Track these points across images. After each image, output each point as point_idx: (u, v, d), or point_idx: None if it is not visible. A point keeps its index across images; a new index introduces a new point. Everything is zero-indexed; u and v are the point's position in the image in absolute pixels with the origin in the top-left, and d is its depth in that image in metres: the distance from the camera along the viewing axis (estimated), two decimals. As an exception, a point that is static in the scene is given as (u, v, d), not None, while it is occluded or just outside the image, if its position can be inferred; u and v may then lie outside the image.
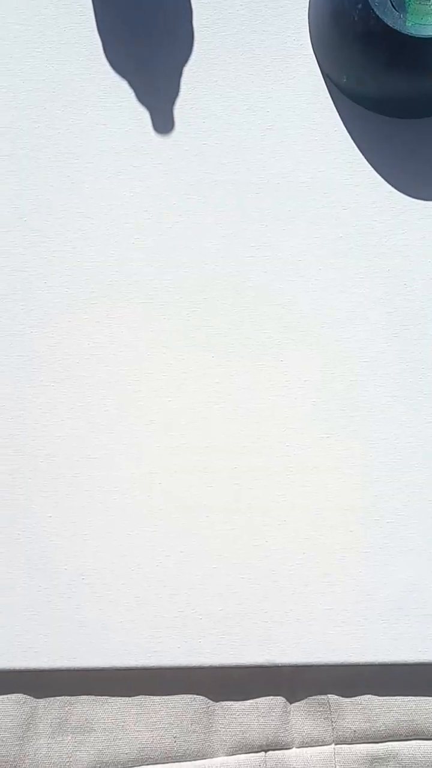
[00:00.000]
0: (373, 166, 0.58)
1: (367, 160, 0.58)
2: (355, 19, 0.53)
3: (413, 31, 0.52)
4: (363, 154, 0.58)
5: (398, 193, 0.58)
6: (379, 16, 0.52)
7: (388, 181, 0.58)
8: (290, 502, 0.59)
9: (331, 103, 0.58)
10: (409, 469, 0.59)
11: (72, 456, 0.59)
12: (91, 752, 0.59)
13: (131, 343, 0.59)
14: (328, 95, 0.58)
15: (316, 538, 0.59)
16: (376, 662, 0.59)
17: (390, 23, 0.52)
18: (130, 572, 0.59)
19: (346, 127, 0.58)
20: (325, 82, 0.58)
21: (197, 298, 0.58)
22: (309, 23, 0.57)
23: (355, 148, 0.58)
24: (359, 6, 0.52)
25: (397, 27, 0.52)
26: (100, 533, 0.59)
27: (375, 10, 0.52)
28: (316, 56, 0.58)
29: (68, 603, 0.59)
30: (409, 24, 0.52)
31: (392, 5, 0.52)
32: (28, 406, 0.59)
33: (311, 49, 0.58)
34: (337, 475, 0.59)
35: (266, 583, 0.59)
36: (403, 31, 0.52)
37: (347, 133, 0.58)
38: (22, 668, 0.59)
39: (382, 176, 0.58)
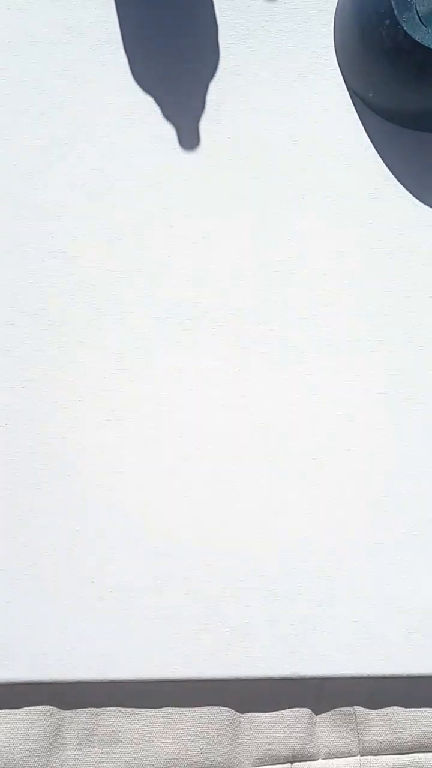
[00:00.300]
0: (399, 180, 0.58)
1: (393, 173, 0.58)
2: (383, 34, 0.53)
3: (441, 47, 0.52)
4: (389, 168, 0.58)
5: (424, 206, 0.58)
6: (407, 31, 0.52)
7: (414, 195, 0.58)
8: (315, 514, 0.59)
9: (357, 117, 0.58)
10: (435, 482, 0.59)
11: (98, 471, 0.59)
12: (118, 763, 0.59)
13: (159, 358, 0.59)
14: (354, 110, 0.58)
15: (342, 550, 0.59)
16: (403, 675, 0.59)
17: (418, 38, 0.52)
18: (157, 585, 0.59)
19: (371, 141, 0.58)
20: (351, 97, 0.58)
21: (224, 313, 0.59)
22: (335, 38, 0.58)
23: (381, 162, 0.58)
24: (387, 22, 0.53)
25: (425, 42, 0.52)
26: (126, 546, 0.59)
27: (403, 25, 0.52)
28: (341, 71, 0.58)
29: (95, 616, 0.60)
30: (437, 39, 0.52)
31: (420, 21, 0.52)
32: (54, 421, 0.59)
33: (337, 64, 0.58)
34: (362, 487, 0.59)
35: (292, 597, 0.59)
36: (430, 46, 0.52)
37: (373, 147, 0.58)
38: (50, 680, 0.60)
39: (408, 190, 0.58)
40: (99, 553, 0.59)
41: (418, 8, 0.52)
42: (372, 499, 0.59)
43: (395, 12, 0.52)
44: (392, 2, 0.52)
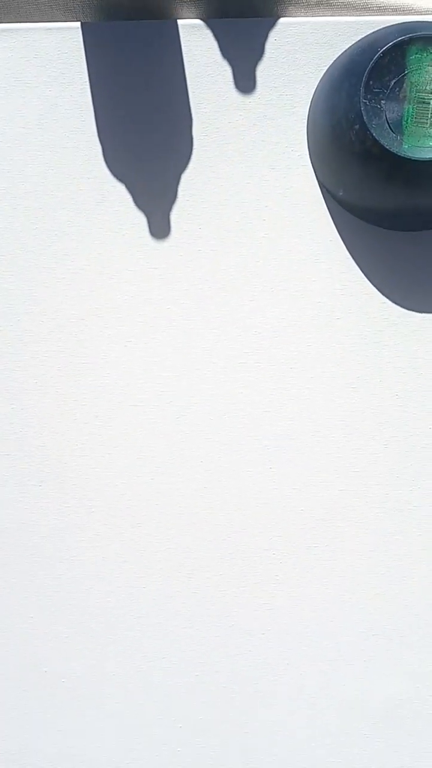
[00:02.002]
0: (367, 276, 0.58)
1: (362, 269, 0.58)
2: (353, 138, 0.53)
3: (410, 153, 0.52)
4: (357, 264, 0.58)
5: (391, 303, 0.58)
6: (377, 138, 0.52)
7: (381, 292, 0.58)
8: (275, 611, 0.58)
9: (328, 213, 0.58)
10: (395, 581, 0.58)
11: (54, 557, 0.59)
12: None
13: (120, 446, 0.59)
14: (325, 206, 0.58)
15: (299, 649, 0.58)
16: (358, 777, 0.58)
17: (386, 145, 0.52)
18: (111, 677, 0.59)
19: (341, 237, 0.58)
20: (322, 193, 0.58)
21: (188, 403, 0.58)
22: (307, 136, 0.58)
23: (350, 258, 0.58)
24: (357, 126, 0.53)
25: (393, 149, 0.52)
26: (81, 637, 0.59)
27: (372, 132, 0.52)
28: (313, 168, 0.58)
29: (46, 705, 0.59)
30: (406, 146, 0.53)
31: (389, 127, 0.53)
32: (14, 505, 0.59)
33: (309, 160, 0.58)
34: (322, 585, 0.58)
35: (248, 695, 0.58)
36: (399, 153, 0.52)
37: (342, 243, 0.58)
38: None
39: (376, 286, 0.58)
40: (52, 642, 0.59)
41: (387, 115, 0.52)
42: (330, 599, 0.58)
43: (365, 118, 0.52)
44: (362, 108, 0.52)
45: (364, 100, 0.52)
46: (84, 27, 0.58)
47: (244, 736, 0.58)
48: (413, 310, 0.58)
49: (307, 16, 0.58)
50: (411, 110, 0.53)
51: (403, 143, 0.53)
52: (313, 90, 0.58)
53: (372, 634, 0.58)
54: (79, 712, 0.59)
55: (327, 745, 0.58)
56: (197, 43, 0.58)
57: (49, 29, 0.58)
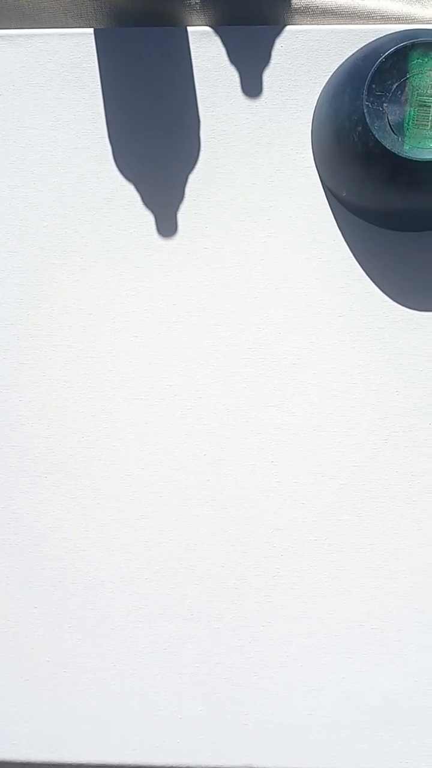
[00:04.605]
0: (369, 276, 0.59)
1: (364, 269, 0.59)
2: (355, 139, 0.55)
3: (411, 155, 0.54)
4: (359, 263, 0.59)
5: (392, 302, 0.59)
6: (378, 139, 0.54)
7: (383, 291, 0.59)
8: (274, 604, 0.59)
9: (331, 213, 0.60)
10: (394, 575, 0.59)
11: (58, 547, 0.60)
12: None
13: (125, 438, 0.60)
14: (328, 206, 0.59)
15: (298, 641, 0.59)
16: (357, 771, 0.58)
17: (388, 146, 0.54)
18: (112, 668, 0.59)
19: (344, 237, 0.59)
20: (326, 194, 0.60)
21: (192, 397, 0.60)
22: (311, 138, 0.60)
23: (353, 257, 0.59)
24: (359, 128, 0.54)
25: (395, 150, 0.54)
26: (82, 627, 0.59)
27: (374, 133, 0.54)
28: (317, 169, 0.59)
29: (48, 696, 0.59)
30: (407, 147, 0.54)
31: (391, 129, 0.54)
32: (19, 496, 0.60)
33: (313, 162, 0.60)
34: (322, 578, 0.59)
35: (248, 686, 0.59)
36: (401, 154, 0.54)
37: (345, 243, 0.59)
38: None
39: (378, 285, 0.59)
40: (53, 632, 0.59)
41: (389, 117, 0.54)
42: (330, 592, 0.59)
43: (367, 120, 0.54)
44: (365, 110, 0.54)
45: (367, 103, 0.54)
46: (96, 33, 0.60)
47: (243, 728, 0.59)
48: (414, 309, 0.59)
49: (313, 24, 0.60)
50: (412, 113, 0.54)
51: (405, 144, 0.54)
52: (318, 95, 0.60)
53: (371, 628, 0.59)
54: (81, 701, 0.59)
55: (325, 738, 0.58)
56: (206, 48, 0.59)
57: (63, 35, 0.60)
